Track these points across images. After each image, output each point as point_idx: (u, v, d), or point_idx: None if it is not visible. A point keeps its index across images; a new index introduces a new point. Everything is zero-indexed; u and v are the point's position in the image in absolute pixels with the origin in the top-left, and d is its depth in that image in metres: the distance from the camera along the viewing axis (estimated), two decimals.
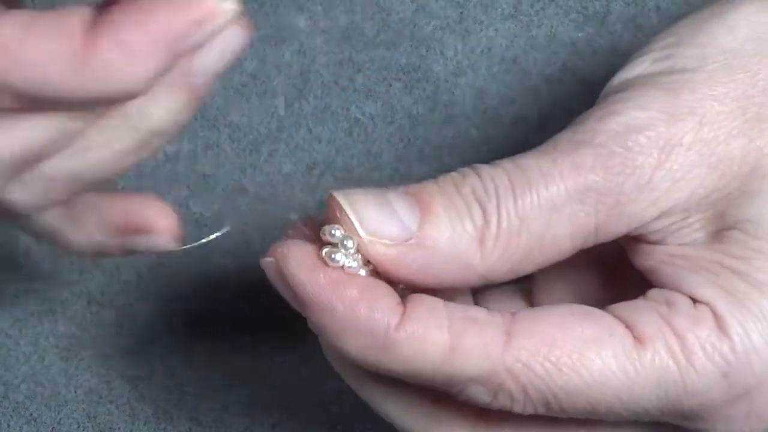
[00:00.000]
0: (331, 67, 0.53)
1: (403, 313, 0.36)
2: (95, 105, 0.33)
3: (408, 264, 0.37)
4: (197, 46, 0.33)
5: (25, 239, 0.54)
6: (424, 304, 0.37)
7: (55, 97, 0.32)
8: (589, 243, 0.38)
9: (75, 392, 0.54)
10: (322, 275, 0.36)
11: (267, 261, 0.38)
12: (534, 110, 0.53)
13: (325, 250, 0.37)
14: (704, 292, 0.37)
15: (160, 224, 0.39)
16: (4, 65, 0.31)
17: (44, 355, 0.54)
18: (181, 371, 0.54)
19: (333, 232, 0.37)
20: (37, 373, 0.54)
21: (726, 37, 0.39)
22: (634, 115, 0.37)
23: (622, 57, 0.53)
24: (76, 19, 0.32)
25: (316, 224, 0.38)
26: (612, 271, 0.41)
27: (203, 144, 0.53)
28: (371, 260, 0.37)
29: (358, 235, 0.37)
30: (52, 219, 0.38)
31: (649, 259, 0.39)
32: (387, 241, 0.37)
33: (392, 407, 0.40)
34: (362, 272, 0.37)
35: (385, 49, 0.53)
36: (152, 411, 0.54)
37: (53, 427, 0.54)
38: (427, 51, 0.53)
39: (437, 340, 0.36)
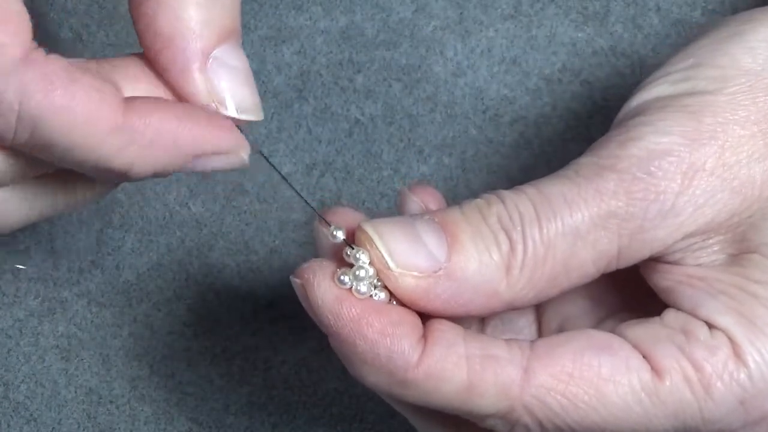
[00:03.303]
0: (331, 67, 0.53)
1: (423, 350, 0.36)
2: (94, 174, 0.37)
3: (437, 295, 0.37)
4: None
5: (25, 239, 0.54)
6: (443, 339, 0.37)
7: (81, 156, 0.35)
8: (612, 267, 0.38)
9: (75, 392, 0.54)
10: (345, 309, 0.36)
11: (295, 282, 0.38)
12: (534, 110, 0.53)
13: (337, 274, 0.37)
14: (722, 318, 0.37)
15: (228, 147, 0.39)
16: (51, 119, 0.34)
17: (44, 355, 0.54)
18: (181, 371, 0.54)
19: (358, 255, 0.37)
20: (37, 373, 0.54)
21: (746, 58, 0.38)
22: (656, 140, 0.37)
23: (622, 57, 0.53)
24: (117, 94, 0.36)
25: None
26: (625, 275, 0.40)
27: None
28: (400, 293, 0.37)
29: (388, 268, 0.37)
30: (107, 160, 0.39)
31: (667, 279, 0.39)
32: (417, 273, 0.37)
33: (414, 417, 0.41)
34: (381, 296, 0.37)
35: (385, 49, 0.53)
36: (152, 411, 0.54)
37: (53, 427, 0.54)
38: (427, 51, 0.53)
39: (455, 378, 0.36)
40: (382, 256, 0.37)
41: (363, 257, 0.37)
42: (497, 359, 0.36)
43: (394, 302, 0.37)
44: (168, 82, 0.38)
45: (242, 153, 0.39)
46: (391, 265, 0.37)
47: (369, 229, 0.37)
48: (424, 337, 0.37)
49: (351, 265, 0.37)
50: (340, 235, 0.38)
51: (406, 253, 0.37)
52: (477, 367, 0.36)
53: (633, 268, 0.39)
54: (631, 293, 0.41)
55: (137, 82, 0.38)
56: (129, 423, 0.54)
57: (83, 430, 0.54)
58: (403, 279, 0.37)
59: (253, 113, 0.39)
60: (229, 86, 0.39)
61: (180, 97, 0.38)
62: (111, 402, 0.54)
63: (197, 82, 0.38)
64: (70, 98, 0.34)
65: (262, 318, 0.54)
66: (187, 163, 0.38)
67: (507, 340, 0.37)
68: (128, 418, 0.54)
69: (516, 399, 0.36)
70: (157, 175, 0.37)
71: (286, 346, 0.54)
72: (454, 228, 0.37)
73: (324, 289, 0.37)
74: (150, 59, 0.38)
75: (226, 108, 0.38)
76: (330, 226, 0.38)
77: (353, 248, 0.37)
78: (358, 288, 0.37)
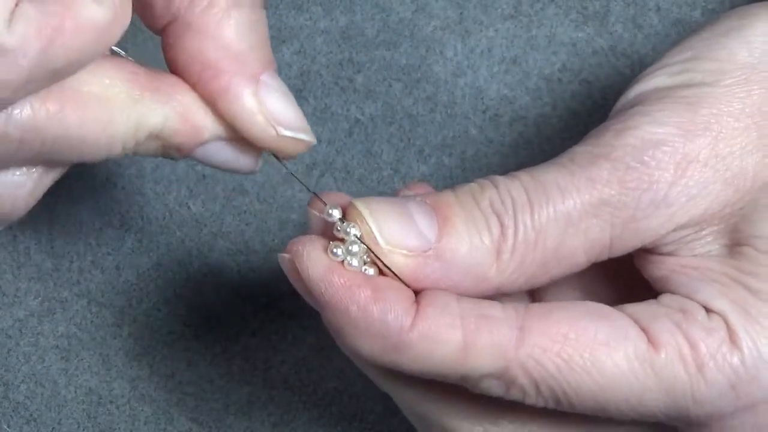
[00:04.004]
0: (331, 67, 0.53)
1: (416, 312, 0.36)
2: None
3: (426, 275, 0.37)
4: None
5: (25, 239, 0.54)
6: (437, 302, 0.37)
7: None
8: (604, 256, 0.38)
9: (75, 392, 0.54)
10: (336, 277, 0.37)
11: (283, 257, 0.38)
12: (534, 110, 0.53)
13: (330, 246, 0.37)
14: (717, 303, 0.37)
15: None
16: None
17: (44, 355, 0.54)
18: (181, 371, 0.54)
19: (348, 229, 0.37)
20: (37, 373, 0.54)
21: (743, 52, 0.39)
22: (651, 130, 0.37)
23: (622, 57, 0.53)
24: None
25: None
26: (618, 269, 0.41)
27: None
28: (390, 269, 0.37)
29: (378, 244, 0.37)
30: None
31: (661, 269, 0.39)
32: (406, 252, 0.37)
33: (408, 397, 0.40)
34: (370, 272, 0.37)
35: (385, 49, 0.53)
36: (152, 411, 0.54)
37: (53, 427, 0.54)
38: (427, 51, 0.53)
39: (450, 339, 0.36)
40: (372, 231, 0.37)
41: (353, 231, 0.37)
42: (492, 319, 0.36)
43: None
44: (218, 107, 0.38)
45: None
46: (381, 241, 0.37)
47: (360, 205, 0.37)
48: (417, 301, 0.37)
49: (342, 241, 0.37)
50: (336, 213, 0.38)
51: (396, 230, 0.37)
52: (472, 327, 0.36)
53: (626, 261, 0.39)
54: (624, 286, 0.41)
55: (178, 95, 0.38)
56: (129, 423, 0.54)
57: (83, 430, 0.54)
58: (392, 256, 0.37)
59: (306, 134, 0.40)
60: (280, 109, 0.39)
61: (231, 121, 0.39)
62: (111, 402, 0.54)
63: (251, 106, 0.38)
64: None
65: (262, 318, 0.54)
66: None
67: (501, 302, 0.37)
68: (128, 418, 0.54)
69: (512, 359, 0.36)
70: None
71: (286, 346, 0.53)
72: (446, 210, 0.37)
73: (314, 259, 0.37)
74: (196, 88, 0.38)
75: (283, 129, 0.39)
76: (326, 205, 0.38)
77: (343, 222, 0.37)
78: (350, 262, 0.37)
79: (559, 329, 0.36)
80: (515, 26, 0.53)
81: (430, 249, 0.37)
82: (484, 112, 0.53)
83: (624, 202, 0.37)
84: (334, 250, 0.37)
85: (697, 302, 0.37)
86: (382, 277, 0.37)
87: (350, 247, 0.37)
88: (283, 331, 0.53)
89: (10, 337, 0.54)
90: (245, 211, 0.54)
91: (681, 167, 0.37)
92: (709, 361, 0.36)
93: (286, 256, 0.38)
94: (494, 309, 0.37)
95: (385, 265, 0.37)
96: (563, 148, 0.51)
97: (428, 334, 0.36)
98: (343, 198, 0.39)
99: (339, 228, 0.37)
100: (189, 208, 0.54)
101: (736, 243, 0.38)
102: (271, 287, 0.54)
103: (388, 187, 0.53)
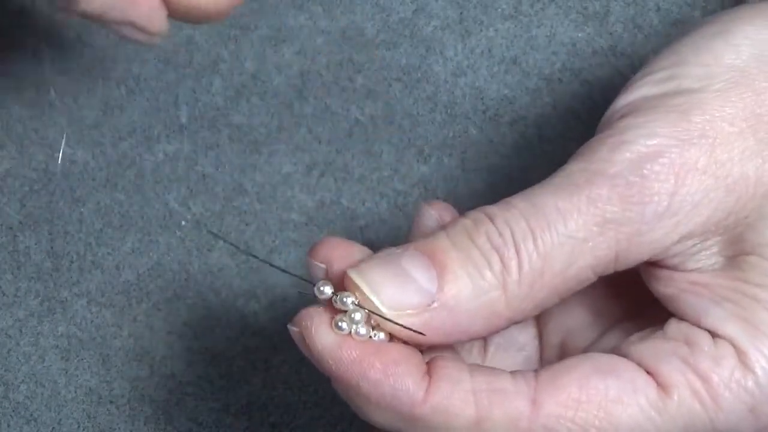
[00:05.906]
0: (331, 67, 0.53)
1: (429, 386, 0.36)
2: None
3: (436, 328, 0.36)
4: None
5: (25, 239, 0.54)
6: (448, 375, 0.36)
7: None
8: (610, 270, 0.38)
9: (75, 392, 0.54)
10: (345, 353, 0.36)
11: (293, 330, 0.38)
12: (534, 110, 0.53)
13: (335, 320, 0.37)
14: (725, 326, 0.37)
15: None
16: None
17: (44, 355, 0.54)
18: (181, 371, 0.54)
19: (345, 300, 0.37)
20: (37, 373, 0.54)
21: (730, 55, 0.38)
22: (646, 142, 0.37)
23: (622, 57, 0.53)
24: None
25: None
26: (625, 285, 0.40)
27: (203, 144, 0.53)
28: (397, 333, 0.37)
29: (381, 313, 0.36)
30: None
31: (670, 286, 0.38)
32: (411, 311, 0.36)
33: None
34: (381, 336, 0.37)
35: (385, 49, 0.53)
36: (152, 411, 0.54)
37: (53, 427, 0.54)
38: (427, 51, 0.53)
39: (463, 414, 0.36)
40: (373, 302, 0.36)
41: (351, 299, 0.37)
42: (504, 392, 0.36)
43: (395, 340, 0.37)
44: None
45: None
46: (383, 310, 0.36)
47: (355, 277, 0.37)
48: (429, 374, 0.36)
49: (345, 312, 0.37)
50: (328, 290, 0.37)
51: (397, 293, 0.36)
52: (485, 402, 0.36)
53: (634, 276, 0.39)
54: (632, 302, 0.41)
55: None
56: (129, 423, 0.54)
57: (83, 430, 0.54)
58: (399, 320, 0.36)
59: None
60: None
61: None
62: (111, 402, 0.54)
63: None
64: None
65: (262, 318, 0.54)
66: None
67: (512, 373, 0.37)
68: (128, 418, 0.54)
69: (525, 431, 0.36)
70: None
71: (286, 346, 0.53)
72: (442, 256, 0.37)
73: (322, 335, 0.37)
74: None
75: None
76: (314, 285, 0.38)
77: (337, 294, 0.37)
78: (358, 331, 0.36)
79: (570, 394, 0.36)
80: (515, 26, 0.53)
81: (434, 302, 0.36)
82: (484, 112, 0.53)
83: (628, 218, 0.36)
84: (339, 324, 0.36)
85: (704, 328, 0.37)
86: (392, 346, 0.37)
87: (353, 316, 0.36)
88: (283, 331, 0.53)
89: (10, 337, 0.54)
90: (245, 211, 0.54)
91: (680, 177, 0.37)
92: (723, 391, 0.36)
93: (295, 329, 0.37)
94: (506, 382, 0.36)
95: (391, 332, 0.37)
96: (563, 148, 0.51)
97: (441, 408, 0.36)
98: (337, 247, 0.38)
99: (336, 301, 0.37)
100: (189, 208, 0.54)
101: (742, 252, 0.37)
102: (272, 287, 0.54)
103: (388, 187, 0.53)
